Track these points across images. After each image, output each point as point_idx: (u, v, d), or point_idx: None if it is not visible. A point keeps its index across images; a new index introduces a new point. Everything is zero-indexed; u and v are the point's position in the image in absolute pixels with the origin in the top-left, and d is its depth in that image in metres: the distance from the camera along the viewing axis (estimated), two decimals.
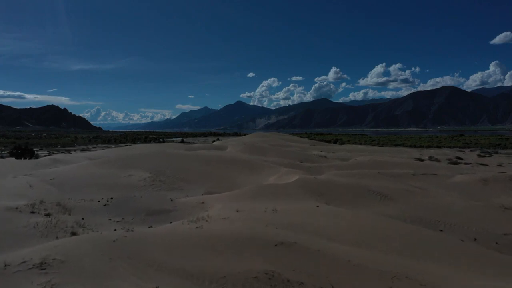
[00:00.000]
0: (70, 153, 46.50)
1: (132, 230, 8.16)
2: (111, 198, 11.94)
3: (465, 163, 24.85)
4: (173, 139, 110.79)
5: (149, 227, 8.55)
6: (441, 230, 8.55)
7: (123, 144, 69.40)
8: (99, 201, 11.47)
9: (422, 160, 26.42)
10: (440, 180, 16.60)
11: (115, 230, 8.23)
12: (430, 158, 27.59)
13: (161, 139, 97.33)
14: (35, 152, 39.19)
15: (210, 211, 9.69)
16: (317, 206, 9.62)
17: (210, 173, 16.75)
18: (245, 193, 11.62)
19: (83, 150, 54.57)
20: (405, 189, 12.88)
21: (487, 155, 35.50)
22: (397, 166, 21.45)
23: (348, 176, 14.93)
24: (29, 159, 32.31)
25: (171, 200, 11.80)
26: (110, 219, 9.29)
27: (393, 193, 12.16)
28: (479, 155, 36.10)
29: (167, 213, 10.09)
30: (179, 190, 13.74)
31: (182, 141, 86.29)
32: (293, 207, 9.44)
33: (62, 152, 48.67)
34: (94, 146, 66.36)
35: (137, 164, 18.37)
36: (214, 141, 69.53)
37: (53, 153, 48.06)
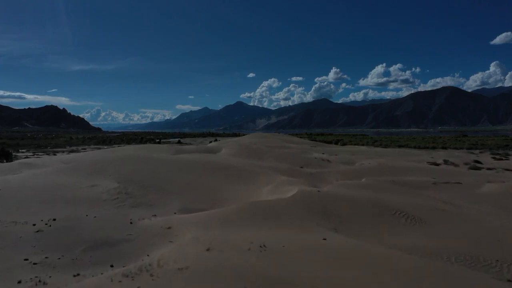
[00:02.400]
0: (55, 155, 43.79)
1: (44, 284, 5.38)
2: (54, 219, 9.15)
3: (488, 168, 22.06)
4: (170, 139, 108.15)
5: (74, 276, 5.77)
6: (510, 281, 5.75)
7: (117, 145, 66.77)
8: (34, 225, 8.68)
9: (437, 164, 23.62)
10: (468, 191, 13.80)
11: (19, 282, 5.46)
12: (446, 162, 24.78)
13: (157, 140, 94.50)
14: (13, 155, 36.43)
15: (172, 245, 6.89)
16: (324, 239, 6.81)
17: (192, 182, 13.91)
18: (228, 214, 8.80)
19: (71, 151, 51.82)
20: (434, 207, 10.09)
21: (503, 158, 32.65)
22: (411, 172, 18.65)
23: (359, 188, 12.13)
24: (5, 162, 29.69)
25: (131, 223, 8.99)
26: (27, 259, 6.49)
27: (420, 213, 9.37)
28: (494, 158, 33.25)
29: (116, 246, 7.29)
30: (147, 206, 10.92)
31: (179, 142, 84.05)
32: (289, 241, 6.64)
33: (47, 154, 46.00)
34: (85, 147, 63.51)
35: (109, 170, 15.59)
36: (211, 142, 66.87)
37: (38, 154, 45.37)
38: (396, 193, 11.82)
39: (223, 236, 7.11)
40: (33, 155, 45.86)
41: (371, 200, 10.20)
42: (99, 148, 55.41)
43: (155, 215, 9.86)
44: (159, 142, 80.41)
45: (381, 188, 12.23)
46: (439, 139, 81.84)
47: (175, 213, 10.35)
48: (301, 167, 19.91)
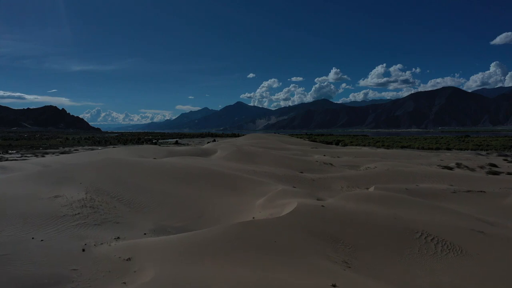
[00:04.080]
0: (43, 156, 41.93)
1: None
2: None
3: (508, 173, 20.06)
4: (168, 140, 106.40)
5: None
6: None
7: (111, 146, 65.02)
8: None
9: (450, 168, 21.63)
10: (495, 203, 11.83)
11: None
12: (459, 166, 22.80)
13: (154, 141, 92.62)
14: None
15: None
16: (334, 286, 4.85)
17: (174, 193, 11.92)
18: (205, 241, 6.81)
19: (62, 152, 49.88)
20: (467, 227, 8.12)
21: None
22: (425, 178, 16.68)
23: (370, 200, 10.15)
24: None
25: (83, 251, 7.03)
26: None
27: (452, 236, 7.42)
28: (505, 160, 31.26)
29: None
30: (113, 224, 8.93)
31: (176, 143, 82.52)
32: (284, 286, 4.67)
33: (36, 155, 44.06)
34: (77, 148, 61.51)
35: (82, 177, 13.60)
36: (209, 143, 65.04)
37: (26, 156, 43.44)
38: (414, 206, 9.86)
39: (192, 279, 5.13)
40: (21, 156, 43.92)
41: (388, 217, 8.23)
42: (92, 149, 53.50)
43: (118, 238, 7.88)
44: (156, 143, 78.64)
45: (396, 200, 10.27)
46: (442, 140, 79.90)
47: (145, 233, 8.37)
48: (301, 172, 17.93)
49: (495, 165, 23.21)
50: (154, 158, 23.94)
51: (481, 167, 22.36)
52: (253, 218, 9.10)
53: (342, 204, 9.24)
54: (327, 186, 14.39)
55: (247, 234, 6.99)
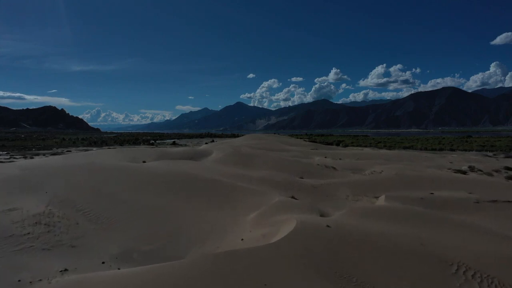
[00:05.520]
0: (33, 158, 40.25)
1: None
2: None
3: None
4: (166, 140, 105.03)
5: None
6: None
7: (107, 147, 63.46)
8: None
9: (463, 172, 19.90)
10: None
11: None
12: (472, 169, 21.08)
13: (151, 141, 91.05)
14: None
15: None
16: None
17: (151, 204, 10.20)
18: (170, 281, 5.11)
19: (54, 154, 48.24)
20: None
21: None
22: (438, 184, 14.97)
23: (383, 216, 8.43)
24: None
25: None
26: None
27: (498, 271, 5.72)
28: None
29: None
30: (66, 249, 7.21)
31: (174, 143, 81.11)
32: None
33: (24, 157, 42.43)
34: (70, 149, 59.77)
35: (50, 184, 11.89)
36: (206, 143, 63.46)
37: (15, 157, 41.82)
38: (437, 224, 8.15)
39: None
40: (9, 158, 42.26)
41: (413, 242, 6.52)
42: (87, 150, 51.89)
43: (65, 270, 6.15)
44: (153, 144, 77.12)
45: (415, 215, 8.56)
46: (444, 140, 78.28)
47: (103, 262, 6.66)
48: (301, 177, 16.22)
49: (511, 169, 21.49)
50: (144, 162, 22.29)
51: (497, 171, 20.65)
52: (242, 239, 7.41)
53: (351, 223, 7.53)
54: (330, 194, 12.68)
55: (225, 272, 5.26)
